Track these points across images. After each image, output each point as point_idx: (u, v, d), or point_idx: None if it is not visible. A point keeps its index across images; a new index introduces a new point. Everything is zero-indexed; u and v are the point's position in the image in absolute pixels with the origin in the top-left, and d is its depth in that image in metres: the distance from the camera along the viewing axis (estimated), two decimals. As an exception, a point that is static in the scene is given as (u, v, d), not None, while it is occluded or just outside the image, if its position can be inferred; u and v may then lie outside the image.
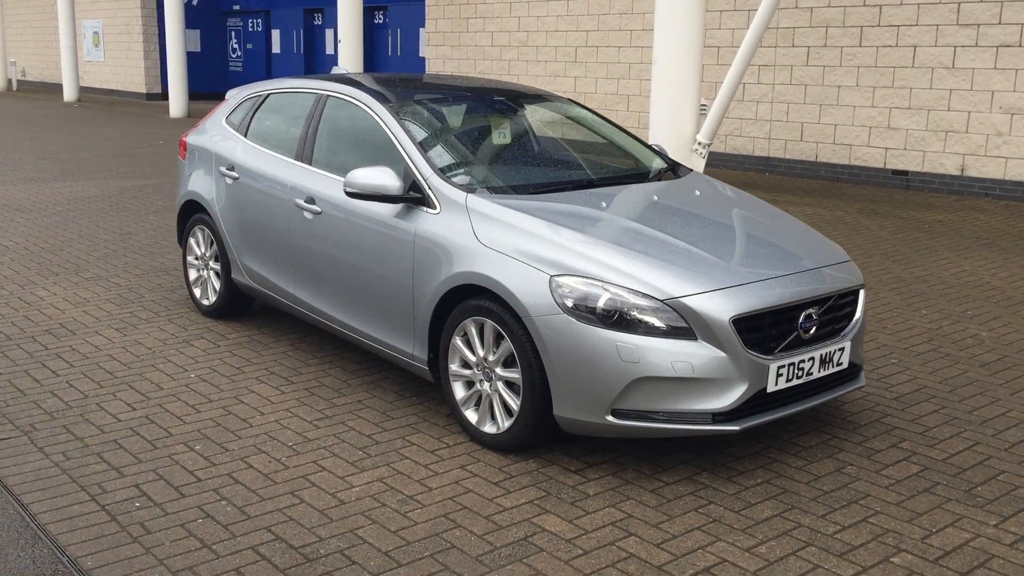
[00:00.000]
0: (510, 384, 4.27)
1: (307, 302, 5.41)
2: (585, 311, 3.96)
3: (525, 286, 4.09)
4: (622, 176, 5.16)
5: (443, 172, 4.72)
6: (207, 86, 27.90)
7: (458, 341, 4.45)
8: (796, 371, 4.11)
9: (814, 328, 4.18)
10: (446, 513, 3.80)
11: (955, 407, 4.89)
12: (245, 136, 6.08)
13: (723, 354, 3.90)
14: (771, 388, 4.03)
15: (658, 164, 5.47)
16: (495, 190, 4.66)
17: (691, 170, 5.47)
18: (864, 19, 12.11)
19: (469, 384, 4.50)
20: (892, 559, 3.46)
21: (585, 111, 5.90)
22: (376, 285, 4.86)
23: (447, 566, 3.41)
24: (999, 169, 11.18)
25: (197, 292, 6.49)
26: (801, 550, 3.52)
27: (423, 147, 4.87)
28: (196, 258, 6.47)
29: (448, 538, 3.61)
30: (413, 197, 4.68)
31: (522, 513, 3.80)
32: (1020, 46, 10.83)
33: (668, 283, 3.97)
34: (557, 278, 4.04)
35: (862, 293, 4.49)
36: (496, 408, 4.32)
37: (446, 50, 18.16)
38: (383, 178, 4.67)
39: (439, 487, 4.02)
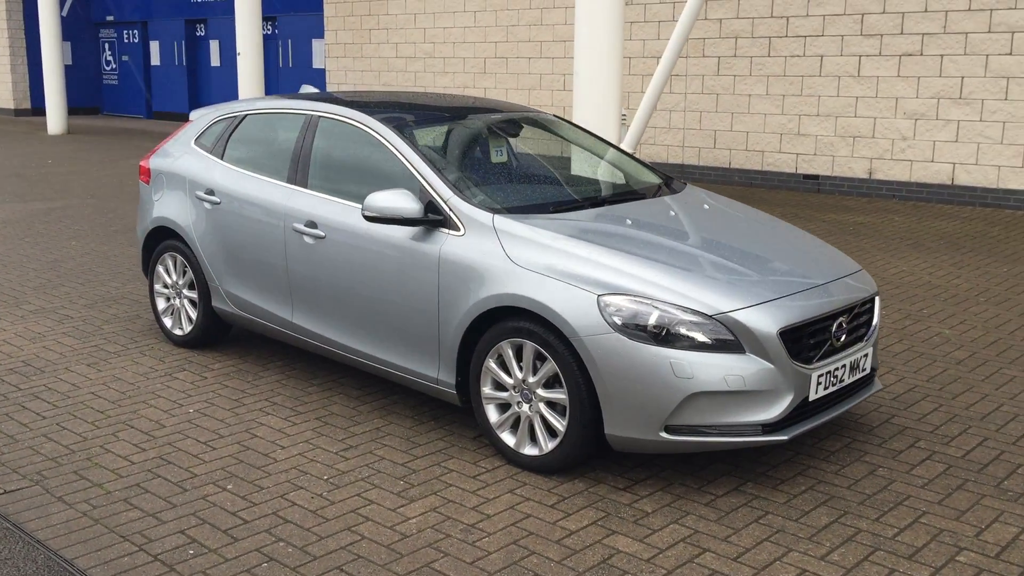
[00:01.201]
0: (551, 405, 4.27)
1: (307, 329, 5.27)
2: (635, 329, 3.99)
3: (572, 306, 4.10)
4: (629, 192, 5.22)
5: (461, 193, 4.68)
6: (80, 100, 26.77)
7: (492, 364, 4.42)
8: (832, 378, 4.24)
9: (844, 336, 4.33)
10: (515, 540, 3.77)
11: (951, 405, 5.13)
12: (222, 159, 5.87)
13: (771, 366, 4.00)
14: (812, 396, 4.16)
15: (654, 178, 5.56)
16: (515, 210, 4.64)
17: (685, 183, 5.57)
18: (772, 30, 12.57)
19: (503, 407, 4.47)
20: (957, 558, 3.61)
21: (575, 127, 5.94)
22: (394, 309, 4.77)
23: (539, 594, 3.39)
24: (904, 172, 11.77)
25: (168, 322, 6.23)
26: (871, 555, 3.63)
27: (437, 168, 4.81)
28: (166, 287, 6.21)
29: (527, 566, 3.58)
30: (434, 219, 4.63)
31: (591, 535, 3.80)
32: (921, 55, 11.43)
33: (715, 298, 4.05)
34: (605, 297, 4.06)
35: (877, 300, 4.67)
36: (538, 429, 4.31)
37: (347, 62, 17.93)
38: (402, 201, 4.60)
39: (496, 514, 3.98)
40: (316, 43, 21.16)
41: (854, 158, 12.14)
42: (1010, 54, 10.82)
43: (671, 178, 5.61)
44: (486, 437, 4.57)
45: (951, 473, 4.32)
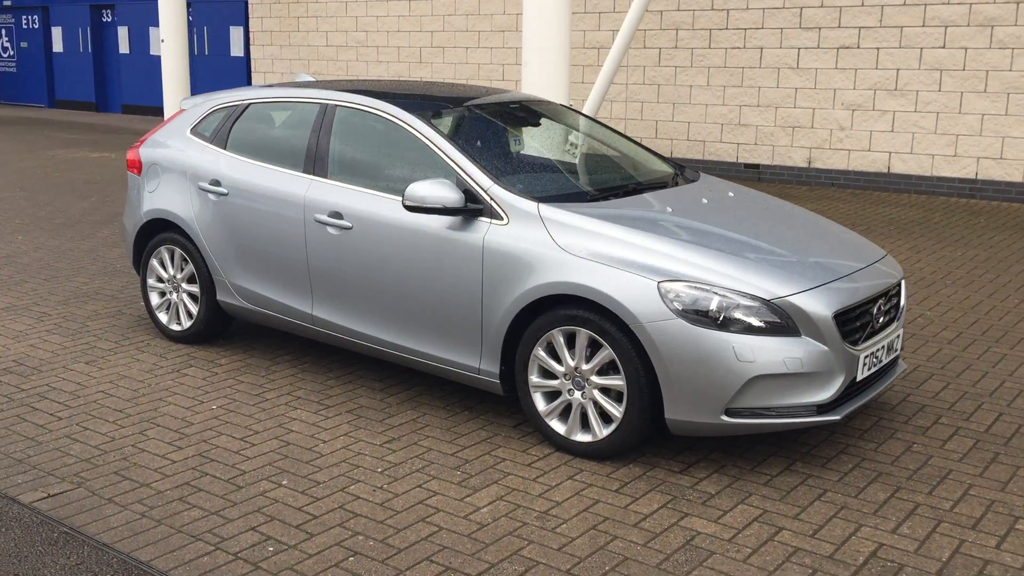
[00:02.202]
0: (605, 391, 4.31)
1: (330, 321, 5.18)
2: (696, 315, 4.07)
3: (631, 293, 4.14)
4: (654, 181, 5.28)
5: (501, 182, 4.67)
6: (-31, 89, 25.57)
7: (541, 352, 4.44)
8: (874, 359, 4.40)
9: (882, 318, 4.49)
10: (593, 526, 3.80)
11: (958, 383, 5.36)
12: (225, 148, 5.72)
13: (825, 348, 4.12)
14: (859, 377, 4.30)
15: (665, 167, 5.63)
16: (555, 199, 4.65)
17: (698, 172, 5.67)
18: (712, 22, 12.83)
19: (550, 395, 4.50)
20: (1016, 527, 3.80)
21: (582, 116, 5.97)
22: (430, 300, 4.74)
23: (637, 577, 3.44)
24: (843, 161, 12.17)
25: (163, 317, 6.04)
26: (937, 527, 3.79)
27: (473, 157, 4.79)
28: (161, 281, 6.01)
29: (614, 549, 3.62)
30: (474, 208, 4.61)
31: (665, 518, 3.86)
32: (858, 48, 11.83)
33: (771, 283, 4.15)
34: (665, 284, 4.12)
35: (903, 283, 4.85)
36: (591, 416, 4.34)
37: (274, 50, 17.57)
38: (444, 191, 4.57)
39: (565, 500, 4.01)
40: (234, 30, 20.67)
41: (794, 147, 12.50)
42: (943, 47, 11.29)
43: (683, 167, 5.71)
44: (533, 425, 4.58)
45: (981, 447, 4.53)
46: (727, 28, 12.73)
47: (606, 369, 4.29)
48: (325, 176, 5.21)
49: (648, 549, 3.62)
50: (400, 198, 4.87)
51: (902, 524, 3.81)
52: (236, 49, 20.82)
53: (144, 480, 4.17)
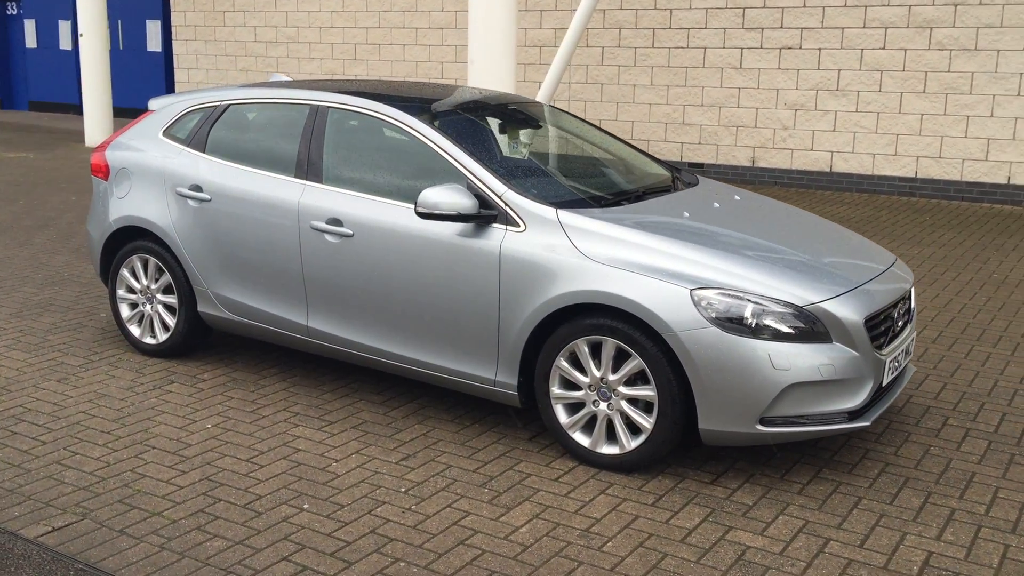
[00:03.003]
0: (632, 402, 4.21)
1: (327, 333, 4.96)
2: (730, 322, 3.99)
3: (663, 301, 4.04)
4: (657, 184, 5.19)
5: (515, 187, 4.52)
6: None
7: (563, 362, 4.31)
8: (895, 363, 4.39)
9: (901, 323, 4.49)
10: (640, 543, 3.69)
11: (954, 382, 5.42)
12: (204, 152, 5.43)
13: (856, 353, 4.09)
14: (885, 381, 4.29)
15: (662, 170, 5.56)
16: (570, 204, 4.53)
17: (696, 176, 5.61)
18: (655, 22, 12.86)
19: (573, 407, 4.37)
20: (1053, 528, 3.82)
21: (575, 118, 5.85)
22: (441, 309, 4.56)
23: (699, 597, 3.34)
24: (786, 160, 12.33)
25: (135, 330, 5.72)
26: (979, 532, 3.79)
27: (484, 162, 4.63)
28: (133, 292, 5.69)
29: (668, 567, 3.51)
30: (488, 215, 4.46)
31: (711, 533, 3.77)
32: (800, 48, 12.00)
33: (803, 289, 4.10)
34: (698, 291, 4.04)
35: (913, 287, 4.87)
36: (618, 428, 4.24)
37: (199, 45, 17.02)
38: (458, 197, 4.41)
39: (603, 516, 3.89)
40: (151, 24, 19.96)
41: (737, 147, 12.61)
42: (883, 48, 11.52)
43: (678, 168, 5.63)
44: (554, 438, 4.45)
45: (996, 448, 4.56)
46: (670, 28, 12.77)
47: (633, 379, 4.19)
48: (320, 181, 4.98)
49: (702, 567, 3.53)
50: (405, 204, 4.69)
51: (944, 531, 3.80)
52: (153, 44, 20.11)
53: (153, 508, 3.90)
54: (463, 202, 4.40)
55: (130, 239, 5.68)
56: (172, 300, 5.54)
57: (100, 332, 6.15)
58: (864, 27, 11.59)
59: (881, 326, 4.29)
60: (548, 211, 4.41)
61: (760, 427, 4.03)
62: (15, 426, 4.70)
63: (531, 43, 13.77)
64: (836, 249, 4.68)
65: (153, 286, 5.61)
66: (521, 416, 4.86)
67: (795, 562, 3.56)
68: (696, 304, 4.02)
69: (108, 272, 5.85)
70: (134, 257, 5.63)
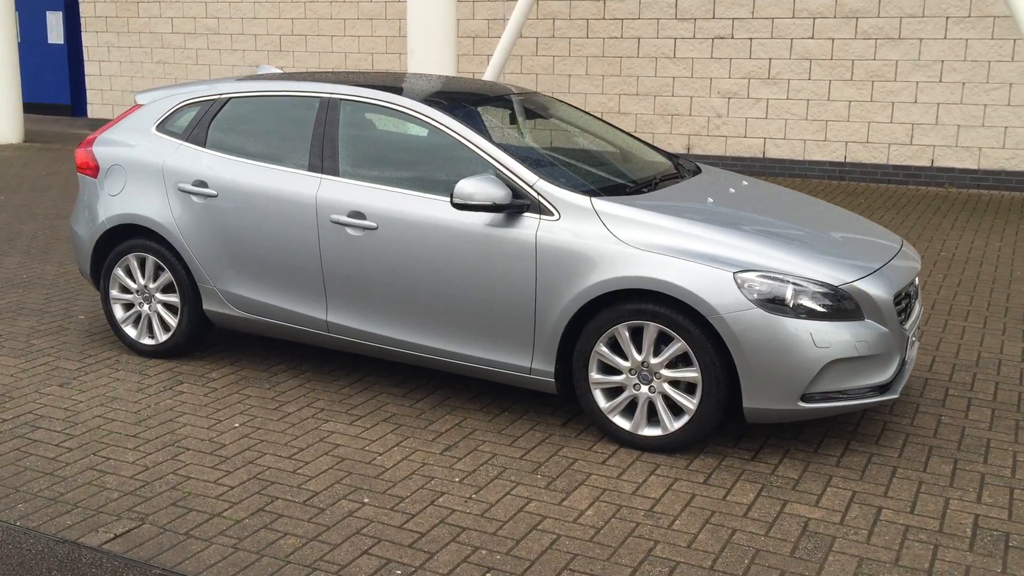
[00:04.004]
0: (674, 384, 4.31)
1: (349, 327, 4.92)
2: (773, 303, 4.13)
3: (707, 285, 4.16)
4: (668, 173, 5.29)
5: (545, 176, 4.57)
6: None
7: (603, 347, 4.39)
8: (911, 339, 4.61)
9: (913, 300, 4.71)
10: (706, 520, 3.80)
11: (942, 355, 5.69)
12: (204, 147, 5.31)
13: (886, 329, 4.29)
14: (907, 356, 4.50)
15: (662, 158, 5.67)
16: (596, 192, 4.60)
17: (695, 163, 5.74)
18: (589, 12, 13.01)
19: (611, 391, 4.45)
20: (1077, 487, 4.09)
21: (573, 108, 5.92)
22: (474, 299, 4.59)
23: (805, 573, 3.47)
24: (720, 147, 12.66)
25: (131, 331, 5.55)
26: (1013, 494, 4.02)
27: (512, 153, 4.66)
28: (128, 291, 5.52)
29: (741, 542, 3.63)
30: (521, 204, 4.50)
31: (769, 507, 3.91)
32: (732, 38, 12.32)
33: (836, 270, 4.27)
34: (740, 274, 4.16)
35: (917, 266, 5.11)
36: (660, 410, 4.34)
37: (111, 37, 16.43)
38: (492, 187, 4.43)
39: (662, 496, 3.98)
40: (52, 15, 19.19)
41: (673, 135, 12.87)
42: (812, 38, 11.93)
43: (676, 156, 5.76)
44: (593, 422, 4.53)
45: (1001, 415, 4.82)
46: (604, 18, 12.94)
47: (674, 362, 4.30)
48: (336, 175, 4.93)
49: (772, 539, 3.66)
50: (431, 196, 4.69)
51: (982, 494, 4.02)
52: (55, 36, 19.33)
53: (212, 510, 3.83)
54: (497, 192, 4.43)
55: (125, 237, 5.51)
56: (173, 299, 5.40)
57: (85, 334, 5.95)
58: (793, 17, 11.97)
59: (902, 303, 4.50)
60: (582, 199, 4.48)
61: (802, 403, 4.19)
62: (32, 433, 4.53)
63: (464, 34, 13.76)
64: (852, 231, 4.87)
65: (151, 285, 5.46)
66: (545, 402, 4.92)
67: (857, 531, 3.73)
68: (740, 287, 4.14)
69: (99, 272, 5.67)
70: (130, 256, 5.47)
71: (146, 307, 5.50)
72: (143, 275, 5.47)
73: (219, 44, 15.56)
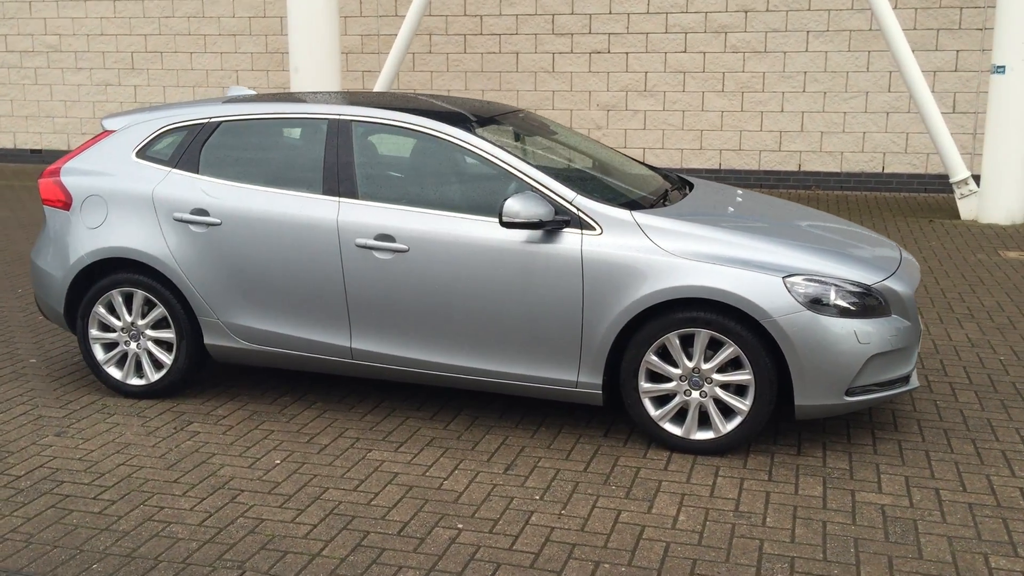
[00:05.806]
0: (724, 387, 4.47)
1: (377, 352, 4.81)
2: (820, 305, 4.36)
3: (759, 291, 4.34)
4: (673, 186, 5.43)
5: (582, 192, 4.63)
6: None
7: (653, 356, 4.49)
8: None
9: (913, 296, 5.08)
10: (794, 515, 3.97)
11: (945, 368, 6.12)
12: (198, 173, 5.05)
13: (909, 323, 4.61)
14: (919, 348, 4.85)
15: (647, 171, 5.83)
16: (631, 206, 4.70)
17: (683, 177, 5.93)
18: (466, 28, 13.10)
19: (660, 399, 4.57)
20: (1086, 456, 4.53)
21: (561, 126, 5.98)
22: (518, 317, 4.59)
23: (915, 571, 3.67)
24: (599, 157, 13.02)
25: (116, 373, 5.20)
26: (1038, 466, 4.42)
27: (545, 171, 4.70)
28: (110, 330, 5.17)
29: (837, 533, 3.82)
30: (562, 220, 4.55)
31: (841, 497, 4.12)
32: (609, 52, 12.72)
33: (867, 272, 4.55)
34: (788, 279, 4.37)
35: (904, 264, 5.48)
36: (712, 413, 4.48)
37: (-65, 58, 15.13)
38: (536, 205, 4.47)
39: (739, 497, 4.12)
40: None
41: (553, 147, 13.13)
42: (684, 52, 12.48)
43: (659, 169, 5.95)
44: (644, 430, 4.61)
45: (984, 396, 5.26)
46: (481, 34, 13.06)
47: (724, 366, 4.46)
48: (355, 197, 4.82)
49: (863, 527, 3.87)
50: (464, 215, 4.66)
51: (1013, 468, 4.38)
52: None
53: (308, 550, 3.67)
54: (542, 209, 4.47)
55: (107, 272, 5.16)
56: (166, 335, 5.10)
57: (50, 378, 5.52)
58: (666, 32, 12.49)
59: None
60: (623, 213, 4.57)
61: (847, 398, 4.44)
62: (59, 488, 4.19)
63: (357, 49, 13.55)
64: (858, 237, 5.18)
65: (141, 322, 5.13)
66: (578, 415, 4.98)
67: (930, 511, 3.99)
68: (789, 290, 4.35)
69: (74, 311, 5.27)
70: (114, 291, 5.12)
71: (133, 345, 5.17)
72: (129, 312, 5.14)
73: (61, 62, 14.64)
